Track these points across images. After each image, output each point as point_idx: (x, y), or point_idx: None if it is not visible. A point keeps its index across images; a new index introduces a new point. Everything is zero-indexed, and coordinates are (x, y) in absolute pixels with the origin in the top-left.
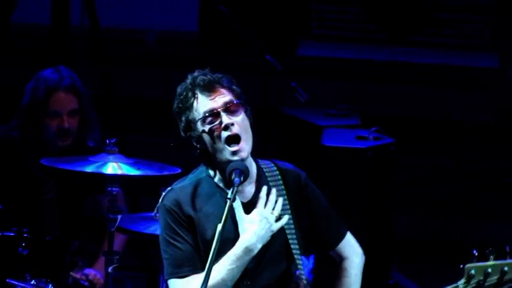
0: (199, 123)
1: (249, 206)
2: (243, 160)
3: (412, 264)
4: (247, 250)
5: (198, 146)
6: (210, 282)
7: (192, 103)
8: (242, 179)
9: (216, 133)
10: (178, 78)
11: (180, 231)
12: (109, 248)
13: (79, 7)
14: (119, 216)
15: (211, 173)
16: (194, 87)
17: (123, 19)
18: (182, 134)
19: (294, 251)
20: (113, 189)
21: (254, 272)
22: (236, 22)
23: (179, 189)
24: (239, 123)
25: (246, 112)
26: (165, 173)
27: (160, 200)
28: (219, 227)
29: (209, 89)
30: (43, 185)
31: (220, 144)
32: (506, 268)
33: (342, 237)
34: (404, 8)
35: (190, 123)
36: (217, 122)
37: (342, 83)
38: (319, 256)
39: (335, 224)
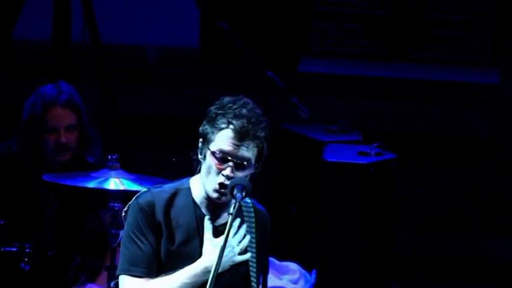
0: (212, 149)
1: (218, 231)
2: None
3: (413, 280)
4: (205, 271)
5: (200, 156)
6: None
7: (220, 129)
8: (244, 194)
9: (215, 169)
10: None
11: (145, 232)
12: (111, 263)
13: (80, 23)
14: (121, 232)
15: (194, 187)
16: (233, 121)
17: (124, 36)
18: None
19: (252, 285)
20: (115, 204)
21: None
22: (237, 39)
23: (156, 194)
24: (238, 177)
25: (254, 171)
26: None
27: (134, 198)
28: (221, 243)
29: (242, 137)
30: (44, 201)
31: (212, 178)
32: None
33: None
34: (404, 25)
35: (207, 138)
36: (222, 165)
37: (342, 99)
38: (320, 272)
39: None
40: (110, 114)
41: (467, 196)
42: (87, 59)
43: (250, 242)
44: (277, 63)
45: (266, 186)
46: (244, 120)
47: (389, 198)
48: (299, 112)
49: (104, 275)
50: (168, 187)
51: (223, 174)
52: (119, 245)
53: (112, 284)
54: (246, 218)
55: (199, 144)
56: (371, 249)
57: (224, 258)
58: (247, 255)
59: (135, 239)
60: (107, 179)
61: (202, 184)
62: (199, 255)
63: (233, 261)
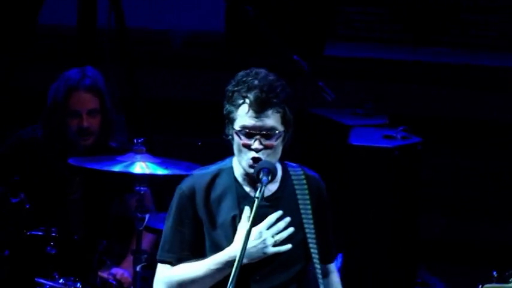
0: (235, 128)
1: (267, 201)
2: None
3: (439, 264)
4: (229, 260)
5: (229, 136)
6: (180, 275)
7: (238, 106)
8: (270, 178)
9: (244, 146)
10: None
11: (183, 219)
12: (137, 247)
13: (105, 8)
14: (147, 216)
15: (235, 165)
16: (247, 95)
17: (149, 20)
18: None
19: (312, 254)
20: (141, 188)
21: (266, 269)
22: (262, 22)
23: (198, 177)
24: (268, 149)
25: (283, 137)
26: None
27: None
28: (247, 226)
29: (259, 107)
30: (68, 185)
31: (244, 155)
32: None
33: (334, 257)
34: (429, 8)
35: (230, 117)
36: (249, 139)
37: (368, 83)
38: (347, 255)
39: (333, 243)
40: (134, 98)
41: (493, 180)
42: (112, 44)
43: (305, 210)
44: (303, 47)
45: None
46: (257, 91)
47: (414, 182)
48: (325, 96)
49: (130, 259)
50: (213, 168)
51: (253, 149)
52: (144, 228)
53: (138, 268)
54: (296, 186)
55: (227, 130)
56: (397, 232)
57: (253, 249)
58: (284, 248)
59: (172, 224)
60: (132, 163)
61: (239, 163)
62: (231, 238)
63: (264, 253)
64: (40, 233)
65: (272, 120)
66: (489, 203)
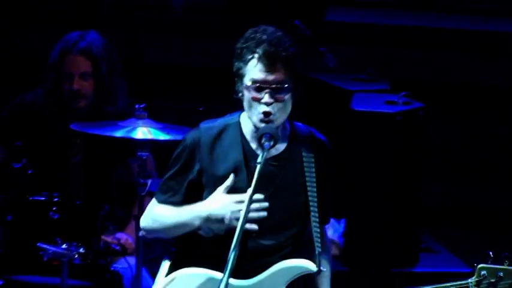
0: (245, 82)
1: (274, 160)
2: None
3: (442, 229)
4: (208, 219)
5: (239, 94)
6: (158, 214)
7: (248, 61)
8: (272, 143)
9: (255, 100)
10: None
11: (182, 167)
12: (139, 213)
13: None
14: (149, 181)
15: (243, 121)
16: (256, 49)
17: None
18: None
19: (312, 217)
20: (143, 154)
21: (263, 227)
22: None
23: (204, 130)
24: (279, 103)
25: (293, 91)
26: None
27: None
28: (249, 191)
29: (268, 61)
30: (69, 148)
31: (254, 110)
32: None
33: (329, 219)
34: None
35: (239, 74)
36: (260, 93)
37: (370, 48)
38: (349, 221)
39: (330, 205)
40: (136, 63)
41: (494, 145)
42: (114, 9)
43: (309, 173)
44: (304, 12)
45: None
46: (266, 45)
47: (417, 147)
48: (326, 61)
49: (133, 224)
50: (219, 122)
51: (263, 103)
52: (147, 194)
53: (140, 233)
54: (304, 149)
55: (237, 87)
56: (399, 198)
57: (221, 210)
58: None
59: (172, 171)
60: (134, 128)
61: (249, 118)
62: (247, 188)
63: (227, 219)
64: (42, 198)
65: (281, 73)
66: (491, 168)
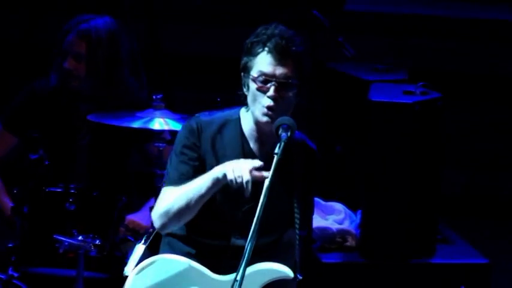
0: (252, 74)
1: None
2: (269, 123)
3: (460, 219)
4: (214, 179)
5: (244, 88)
6: (174, 194)
7: (257, 54)
8: (289, 134)
9: (260, 93)
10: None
11: (190, 150)
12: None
13: None
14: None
15: (243, 118)
16: (267, 43)
17: None
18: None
19: (296, 221)
20: (160, 144)
21: (248, 229)
22: None
23: (205, 123)
24: (284, 99)
25: (298, 90)
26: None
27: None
28: (267, 182)
29: (278, 54)
30: (78, 133)
31: (258, 103)
32: None
33: (306, 228)
34: None
35: (246, 67)
36: (266, 86)
37: (388, 38)
38: (366, 212)
39: (310, 214)
40: (155, 53)
41: None
42: None
43: (296, 178)
44: (323, 1)
45: (312, 125)
46: (278, 38)
47: (435, 137)
48: (344, 51)
49: (146, 210)
50: (218, 117)
51: (268, 96)
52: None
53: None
54: (294, 155)
55: (242, 80)
56: (417, 188)
57: (232, 164)
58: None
59: (176, 158)
60: (151, 119)
61: (252, 113)
62: (243, 187)
63: (236, 177)
64: (59, 190)
65: (290, 69)
66: (510, 158)
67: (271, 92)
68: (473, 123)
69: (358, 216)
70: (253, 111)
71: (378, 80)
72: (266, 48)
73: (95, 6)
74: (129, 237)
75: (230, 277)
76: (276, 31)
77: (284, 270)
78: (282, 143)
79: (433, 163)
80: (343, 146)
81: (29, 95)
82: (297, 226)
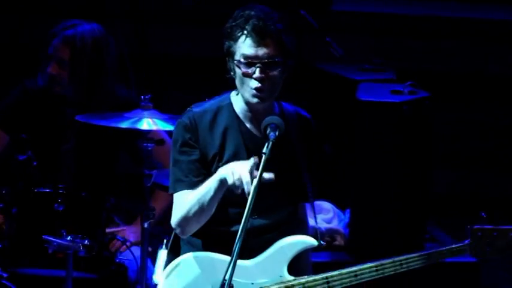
0: (236, 58)
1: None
2: (260, 103)
3: (449, 219)
4: (219, 180)
5: (231, 73)
6: (188, 200)
7: (238, 38)
8: (277, 133)
9: (246, 76)
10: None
11: (192, 147)
12: (145, 204)
13: None
14: (154, 172)
15: (235, 101)
16: (245, 25)
17: None
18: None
19: (305, 191)
20: (148, 145)
21: (262, 207)
22: None
23: (199, 114)
24: (270, 78)
25: (284, 67)
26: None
27: (179, 119)
28: (255, 181)
29: (258, 36)
30: (64, 135)
31: (246, 86)
32: None
33: (316, 195)
34: None
35: (230, 52)
36: (251, 69)
37: (376, 38)
38: (355, 210)
39: (316, 181)
40: (142, 54)
41: (503, 135)
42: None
43: (299, 150)
44: (311, 1)
45: None
46: (254, 20)
47: (424, 137)
48: (332, 51)
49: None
50: (210, 106)
51: (255, 78)
52: (153, 185)
53: (145, 225)
54: (291, 128)
55: (228, 66)
56: (406, 188)
57: (233, 165)
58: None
59: (177, 154)
60: (140, 119)
61: (242, 96)
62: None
63: (237, 179)
64: (47, 190)
65: (271, 48)
66: (498, 157)
67: (257, 74)
68: (461, 123)
69: (347, 215)
70: (243, 94)
71: (366, 79)
72: (245, 32)
73: (82, 7)
74: (119, 238)
75: (255, 261)
76: (252, 12)
77: (309, 240)
78: (270, 143)
79: (421, 162)
80: (332, 145)
81: (21, 93)
82: (310, 195)
